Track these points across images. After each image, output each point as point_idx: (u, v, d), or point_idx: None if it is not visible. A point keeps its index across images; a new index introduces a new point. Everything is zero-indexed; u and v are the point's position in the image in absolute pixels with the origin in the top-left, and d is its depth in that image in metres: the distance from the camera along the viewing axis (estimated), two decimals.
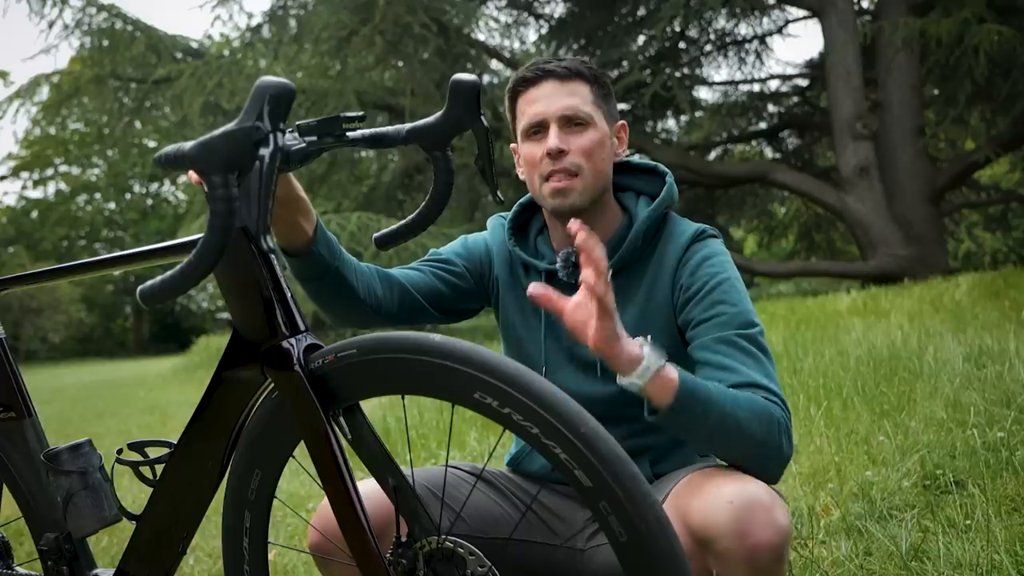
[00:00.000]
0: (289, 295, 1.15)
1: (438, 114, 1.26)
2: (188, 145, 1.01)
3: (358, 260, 1.60)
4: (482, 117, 1.27)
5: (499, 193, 1.36)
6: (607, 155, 1.59)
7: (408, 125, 1.26)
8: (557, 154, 1.54)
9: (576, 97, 1.56)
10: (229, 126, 1.01)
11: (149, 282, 1.01)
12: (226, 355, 1.19)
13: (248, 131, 1.00)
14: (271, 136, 1.02)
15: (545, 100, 1.56)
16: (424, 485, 1.56)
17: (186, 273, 1.00)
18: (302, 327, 1.15)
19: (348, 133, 1.21)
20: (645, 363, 1.29)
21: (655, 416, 1.34)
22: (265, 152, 1.03)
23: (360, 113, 1.21)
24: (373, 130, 1.25)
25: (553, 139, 1.54)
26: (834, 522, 2.36)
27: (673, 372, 1.31)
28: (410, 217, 1.32)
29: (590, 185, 1.57)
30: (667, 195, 1.63)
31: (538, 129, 1.57)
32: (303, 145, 1.17)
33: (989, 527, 2.11)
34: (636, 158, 1.73)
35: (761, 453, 1.37)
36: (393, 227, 1.34)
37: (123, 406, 10.14)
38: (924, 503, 2.42)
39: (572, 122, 1.56)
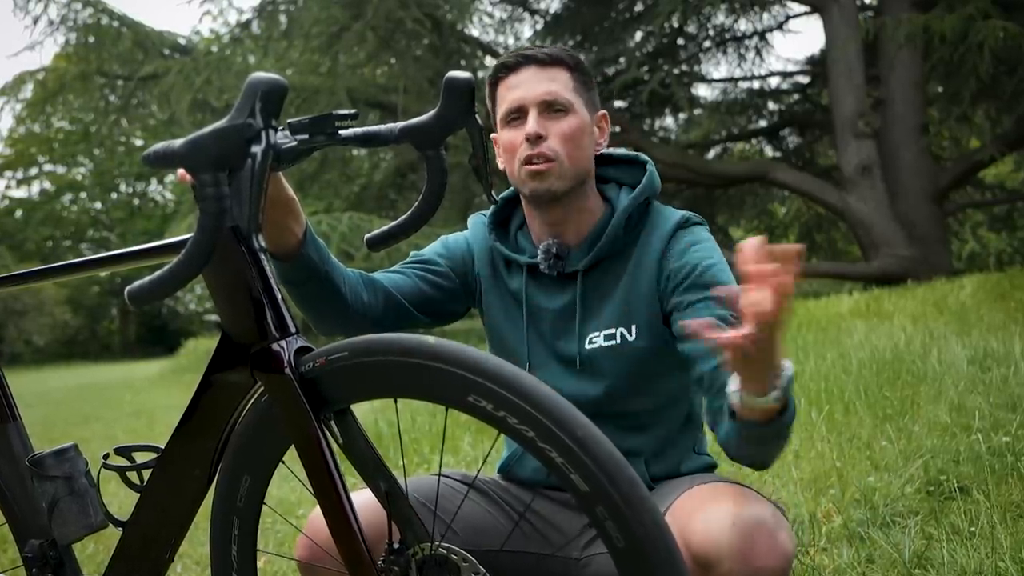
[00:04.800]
0: (279, 296, 1.14)
1: (431, 112, 1.24)
2: (178, 143, 0.99)
3: (349, 262, 1.49)
4: (476, 115, 1.25)
5: (493, 193, 1.34)
6: (587, 143, 1.58)
7: (400, 124, 1.25)
8: (535, 139, 1.53)
9: (556, 83, 1.56)
10: (220, 123, 0.99)
11: (137, 282, 1.00)
12: (215, 358, 1.18)
13: (240, 128, 0.99)
14: (263, 133, 1.01)
15: (525, 85, 1.56)
16: (415, 496, 1.52)
17: (175, 273, 0.98)
18: (292, 329, 1.13)
19: (340, 131, 1.20)
20: (784, 375, 1.27)
21: (743, 424, 1.31)
22: (257, 150, 1.02)
23: (353, 111, 1.19)
24: (365, 128, 1.24)
25: (532, 123, 1.53)
26: (836, 528, 2.35)
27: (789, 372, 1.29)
28: (403, 217, 1.30)
29: (568, 171, 1.55)
30: (648, 183, 1.61)
31: (517, 115, 1.57)
32: (295, 143, 1.15)
33: (994, 534, 2.10)
34: (621, 150, 1.71)
35: (782, 446, 1.37)
36: (385, 227, 1.32)
37: (109, 410, 10.10)
38: (927, 509, 2.41)
39: (552, 107, 1.55)
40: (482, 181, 1.32)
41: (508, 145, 1.58)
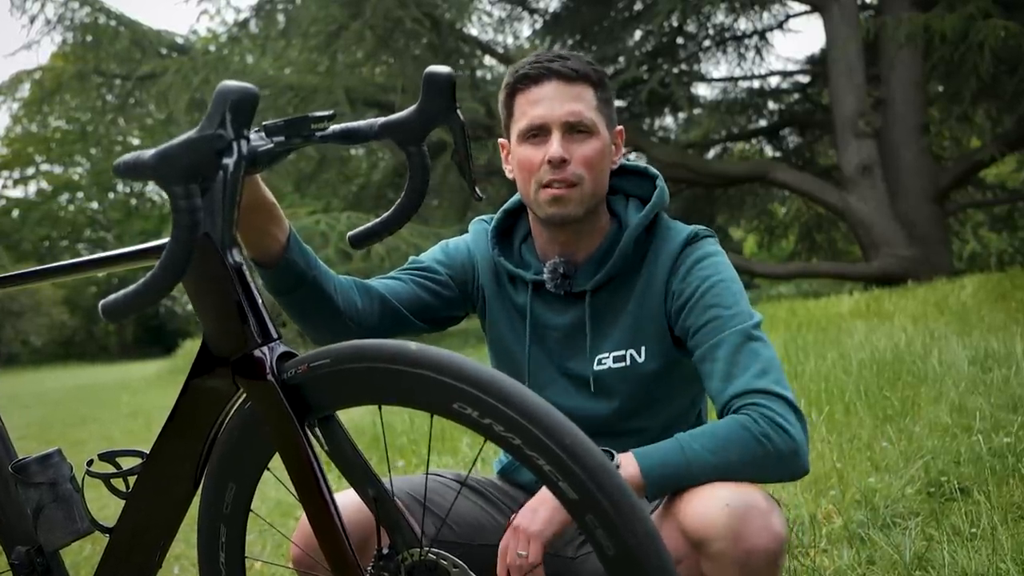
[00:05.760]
0: (260, 302, 1.12)
1: (412, 108, 1.22)
2: (148, 154, 0.97)
3: (348, 262, 1.46)
4: (458, 111, 1.22)
5: (478, 189, 1.32)
6: (607, 165, 1.55)
7: (381, 119, 1.22)
8: (560, 163, 1.48)
9: (581, 102, 1.50)
10: (190, 134, 0.97)
11: (112, 296, 0.98)
12: (196, 363, 1.16)
13: (210, 139, 0.97)
14: (234, 144, 1.00)
15: (548, 102, 1.50)
16: (408, 493, 1.53)
17: (150, 286, 0.97)
18: (274, 335, 1.12)
19: (317, 133, 1.18)
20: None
21: None
22: (228, 161, 1.00)
23: (329, 112, 1.17)
24: (344, 125, 1.21)
25: (556, 147, 1.48)
26: (836, 530, 2.35)
27: (633, 468, 1.33)
28: (386, 215, 1.27)
29: (588, 196, 1.52)
30: (658, 200, 1.58)
31: (538, 132, 1.51)
32: (271, 146, 1.13)
33: (995, 535, 2.09)
34: (629, 157, 1.68)
35: (756, 470, 1.35)
36: (368, 225, 1.29)
37: (106, 411, 10.07)
38: (928, 510, 2.40)
39: (575, 129, 1.50)
40: (465, 178, 1.29)
41: (525, 163, 1.53)
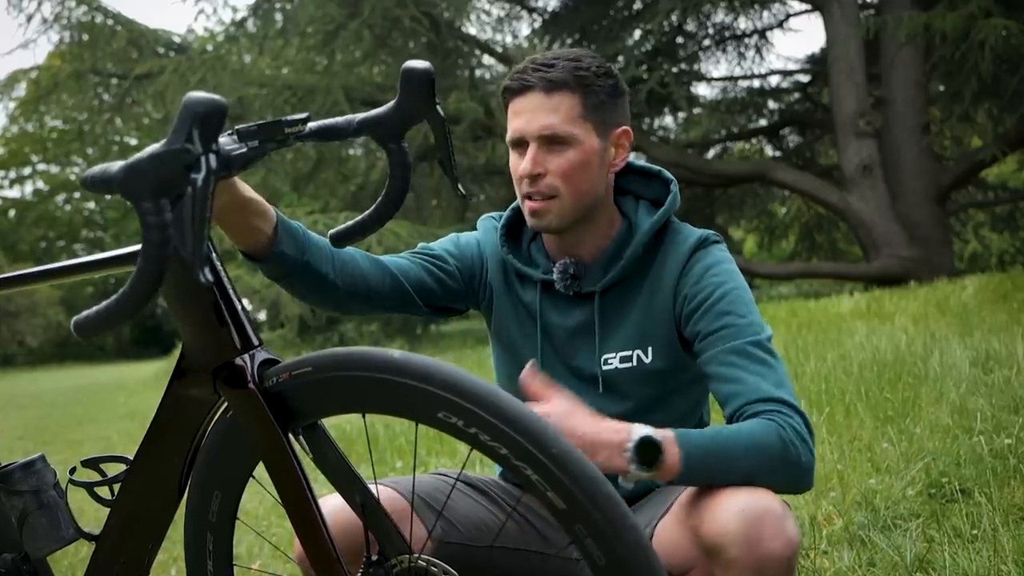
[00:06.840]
0: (240, 308, 1.12)
1: (390, 104, 1.20)
2: (115, 167, 0.96)
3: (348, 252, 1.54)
4: (438, 107, 1.20)
5: (460, 187, 1.31)
6: (593, 173, 1.53)
7: (359, 116, 1.21)
8: (533, 177, 1.50)
9: (558, 114, 1.49)
10: (156, 147, 0.95)
11: (84, 313, 0.96)
12: (177, 371, 1.15)
13: (177, 154, 0.94)
14: (202, 159, 0.96)
15: (526, 116, 1.50)
16: (415, 493, 1.54)
17: (122, 303, 0.95)
18: (255, 342, 1.11)
19: (292, 136, 1.16)
20: (630, 444, 1.32)
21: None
22: (197, 176, 0.97)
23: (303, 115, 1.15)
24: (322, 123, 1.20)
25: (527, 162, 1.50)
26: (836, 531, 2.34)
27: (674, 448, 1.31)
28: (366, 213, 1.26)
29: (568, 207, 1.52)
30: (670, 206, 1.58)
31: (519, 143, 1.52)
32: (244, 150, 1.11)
33: (996, 537, 2.08)
34: (638, 160, 1.67)
35: (778, 476, 1.34)
36: (348, 224, 1.27)
37: (103, 412, 10.06)
38: (929, 512, 2.39)
39: (552, 141, 1.49)
40: (448, 175, 1.27)
41: (513, 171, 1.55)
